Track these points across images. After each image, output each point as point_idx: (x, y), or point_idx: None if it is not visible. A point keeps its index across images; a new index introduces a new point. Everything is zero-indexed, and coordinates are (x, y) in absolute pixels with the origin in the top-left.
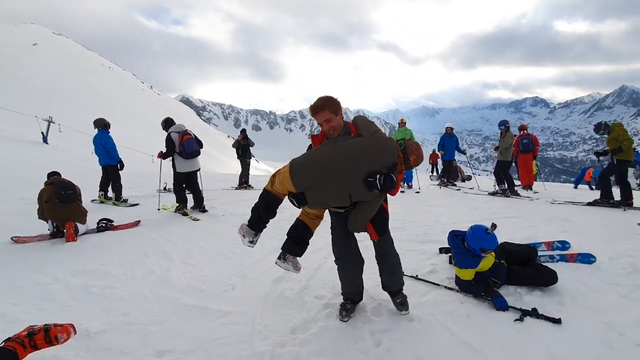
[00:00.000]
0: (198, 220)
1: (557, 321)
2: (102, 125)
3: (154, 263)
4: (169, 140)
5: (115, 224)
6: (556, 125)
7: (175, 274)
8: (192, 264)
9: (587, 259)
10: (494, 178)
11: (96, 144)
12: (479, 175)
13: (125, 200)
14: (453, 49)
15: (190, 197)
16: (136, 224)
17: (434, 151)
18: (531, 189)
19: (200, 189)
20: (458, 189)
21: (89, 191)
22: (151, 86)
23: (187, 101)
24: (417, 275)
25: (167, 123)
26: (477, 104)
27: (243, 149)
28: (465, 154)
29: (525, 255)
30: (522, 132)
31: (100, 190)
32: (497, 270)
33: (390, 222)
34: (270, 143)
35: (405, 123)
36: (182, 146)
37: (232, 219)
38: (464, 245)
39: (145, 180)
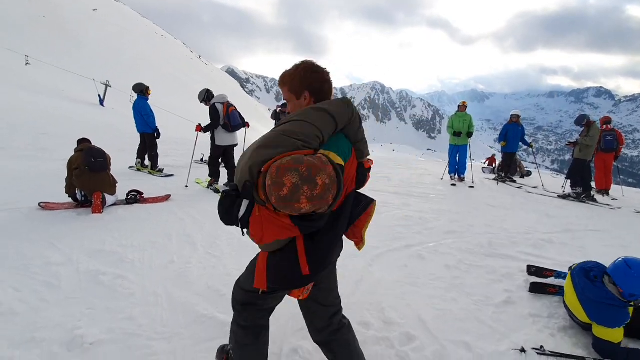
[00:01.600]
0: None
1: None
2: (139, 91)
3: (175, 250)
4: (214, 111)
5: (145, 196)
6: (619, 120)
7: (196, 268)
8: (215, 256)
9: None
10: (556, 176)
11: (134, 110)
12: (543, 171)
13: (161, 170)
14: (510, 28)
15: (224, 173)
16: (166, 198)
17: (492, 156)
18: (608, 194)
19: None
20: (519, 187)
21: (132, 156)
22: (199, 56)
23: (232, 72)
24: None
25: (208, 94)
26: (532, 90)
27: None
28: (532, 147)
29: None
30: (604, 126)
31: (137, 158)
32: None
33: (446, 224)
34: None
35: (466, 107)
36: (227, 118)
37: None
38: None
39: (188, 150)
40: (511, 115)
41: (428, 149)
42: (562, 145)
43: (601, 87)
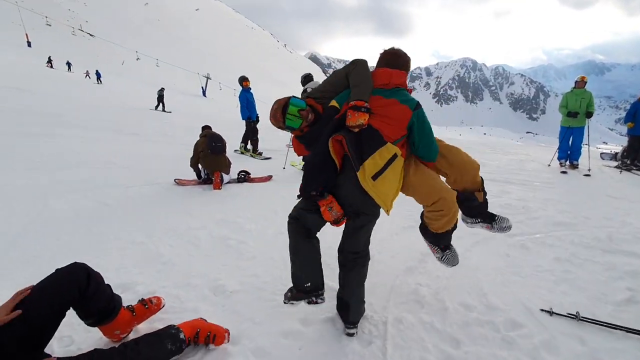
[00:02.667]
0: None
1: None
2: (240, 83)
3: (281, 223)
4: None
5: (252, 176)
6: None
7: (253, 238)
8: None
9: None
10: None
11: (240, 100)
12: None
13: (261, 153)
14: None
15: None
16: (269, 178)
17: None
18: None
19: None
20: None
21: (232, 141)
22: (285, 44)
23: (314, 58)
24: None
25: (307, 79)
26: None
27: None
28: None
29: None
30: None
31: (241, 142)
32: None
33: (555, 214)
34: None
35: (585, 82)
36: None
37: None
38: None
39: (283, 135)
40: None
41: (528, 132)
42: None
43: None
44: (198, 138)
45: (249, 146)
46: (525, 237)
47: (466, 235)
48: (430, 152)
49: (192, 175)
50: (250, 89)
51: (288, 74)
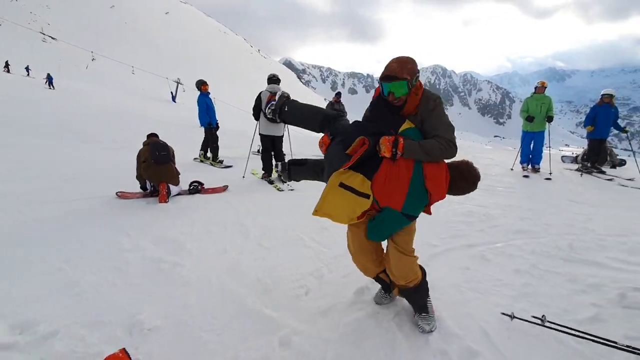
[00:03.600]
0: (282, 191)
1: None
2: (198, 87)
3: (229, 240)
4: (257, 99)
5: (205, 187)
6: None
7: (247, 258)
8: (266, 247)
9: None
10: None
11: (199, 105)
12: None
13: (221, 162)
14: None
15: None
16: (224, 189)
17: None
18: None
19: (284, 155)
20: (610, 179)
21: (197, 148)
22: (258, 50)
23: (289, 64)
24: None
25: (270, 80)
26: (626, 65)
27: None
28: (626, 132)
29: None
30: None
31: (200, 150)
32: None
33: (516, 221)
34: (366, 107)
35: (545, 87)
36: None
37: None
38: None
39: (248, 141)
40: (602, 95)
41: (495, 136)
42: None
43: None
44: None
45: (209, 154)
46: (485, 247)
47: (424, 247)
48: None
49: (138, 187)
50: (209, 93)
51: (262, 79)
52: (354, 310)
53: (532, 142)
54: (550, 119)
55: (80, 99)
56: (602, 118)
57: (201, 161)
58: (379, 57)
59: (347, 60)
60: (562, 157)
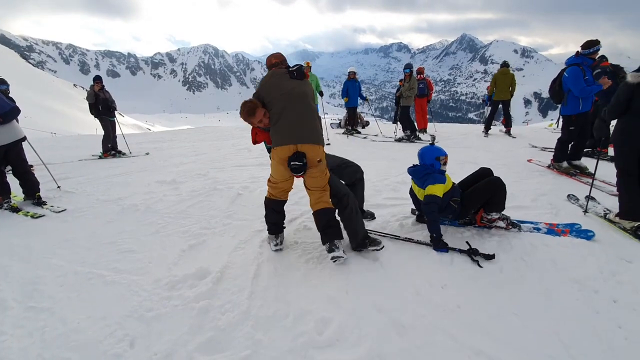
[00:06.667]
0: (42, 216)
1: (490, 257)
2: None
3: None
4: None
5: None
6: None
7: (17, 340)
8: (44, 309)
9: (583, 234)
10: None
11: None
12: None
13: None
14: None
15: (13, 184)
16: None
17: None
18: (426, 131)
19: (31, 166)
20: (364, 137)
21: None
22: None
23: (2, 39)
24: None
25: None
26: (351, 48)
27: (104, 103)
28: (367, 100)
29: (478, 176)
30: (418, 76)
31: None
32: (455, 191)
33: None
34: (135, 92)
35: (310, 67)
36: None
37: (105, 208)
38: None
39: None
40: (348, 72)
41: None
42: (380, 95)
43: (400, 42)
44: None
45: None
46: (305, 217)
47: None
48: None
49: None
50: None
51: None
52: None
53: None
54: (321, 93)
55: None
56: (352, 91)
57: None
58: (137, 34)
59: (94, 36)
60: (331, 124)
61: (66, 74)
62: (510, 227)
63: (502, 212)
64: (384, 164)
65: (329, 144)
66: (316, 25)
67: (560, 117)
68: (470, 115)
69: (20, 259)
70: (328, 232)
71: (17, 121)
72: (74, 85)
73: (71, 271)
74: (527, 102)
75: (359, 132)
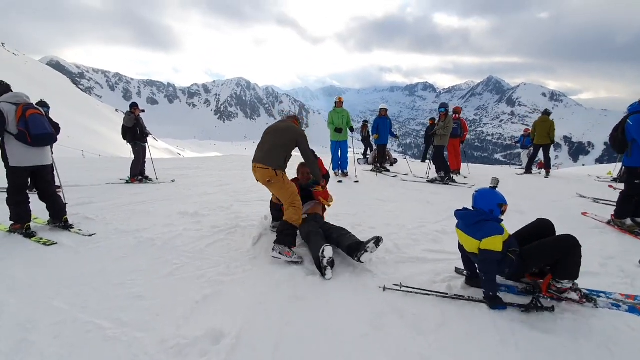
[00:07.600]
0: (54, 244)
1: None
2: None
3: None
4: None
5: None
6: None
7: None
8: (43, 357)
9: None
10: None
11: None
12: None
13: None
14: (349, 30)
15: (38, 207)
16: None
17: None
18: (459, 173)
19: (60, 188)
20: (394, 176)
21: None
22: (2, 43)
23: (57, 65)
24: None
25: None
26: (377, 86)
27: (140, 128)
28: (397, 137)
29: (536, 228)
30: (454, 115)
31: None
32: (512, 243)
33: (350, 229)
34: (171, 119)
35: (342, 102)
36: (24, 124)
37: (121, 240)
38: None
39: None
40: (380, 108)
41: None
42: (404, 132)
43: (426, 82)
44: None
45: None
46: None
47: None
48: None
49: None
50: None
51: (17, 81)
52: None
53: (340, 150)
54: (352, 129)
55: None
56: (382, 127)
57: None
58: (177, 66)
59: (139, 66)
60: (358, 159)
61: (110, 99)
62: (584, 300)
63: (575, 281)
64: (419, 207)
65: (357, 182)
66: (344, 64)
67: (623, 167)
68: (497, 156)
69: (20, 296)
70: (279, 236)
71: (52, 145)
72: (116, 110)
73: (70, 318)
74: (557, 146)
75: (388, 170)
